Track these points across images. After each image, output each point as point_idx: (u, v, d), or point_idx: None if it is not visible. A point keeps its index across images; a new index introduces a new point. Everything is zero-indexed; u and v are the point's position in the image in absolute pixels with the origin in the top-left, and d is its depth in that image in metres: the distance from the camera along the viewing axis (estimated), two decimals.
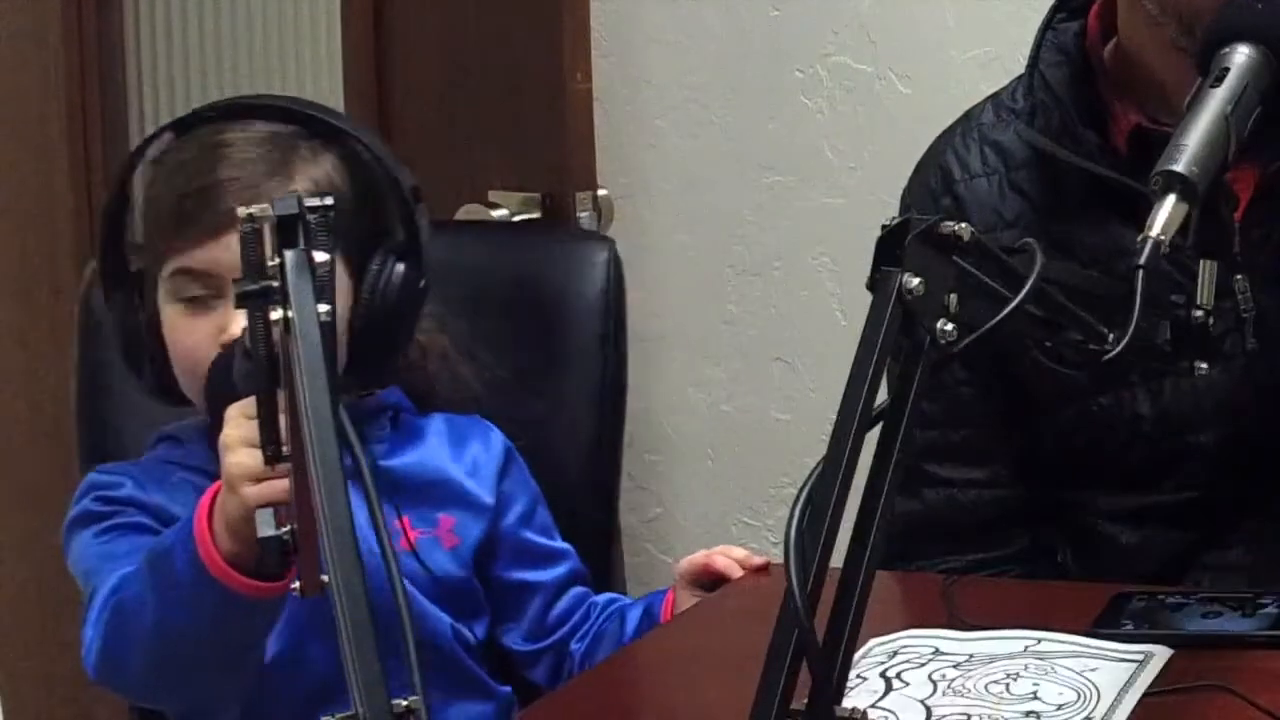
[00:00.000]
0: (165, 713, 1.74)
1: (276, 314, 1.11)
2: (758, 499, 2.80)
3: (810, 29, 2.67)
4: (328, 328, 1.10)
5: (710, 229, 2.78)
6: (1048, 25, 1.85)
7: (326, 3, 3.11)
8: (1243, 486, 1.81)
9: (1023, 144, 1.83)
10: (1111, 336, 1.33)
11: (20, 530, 2.81)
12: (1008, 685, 1.45)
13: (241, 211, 1.16)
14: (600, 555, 1.95)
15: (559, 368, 2.00)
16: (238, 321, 1.58)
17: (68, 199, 2.93)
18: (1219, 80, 1.45)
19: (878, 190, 2.54)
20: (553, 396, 1.99)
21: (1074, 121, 1.79)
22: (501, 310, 1.91)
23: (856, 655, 1.45)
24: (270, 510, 1.30)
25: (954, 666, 1.49)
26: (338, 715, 0.97)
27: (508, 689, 1.82)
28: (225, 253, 1.61)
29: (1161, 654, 1.49)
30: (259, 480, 1.44)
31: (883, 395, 1.18)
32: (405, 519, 1.74)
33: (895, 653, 1.52)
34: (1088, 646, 1.51)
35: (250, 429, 1.41)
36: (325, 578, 1.01)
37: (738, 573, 1.79)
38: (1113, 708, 1.40)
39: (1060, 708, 1.40)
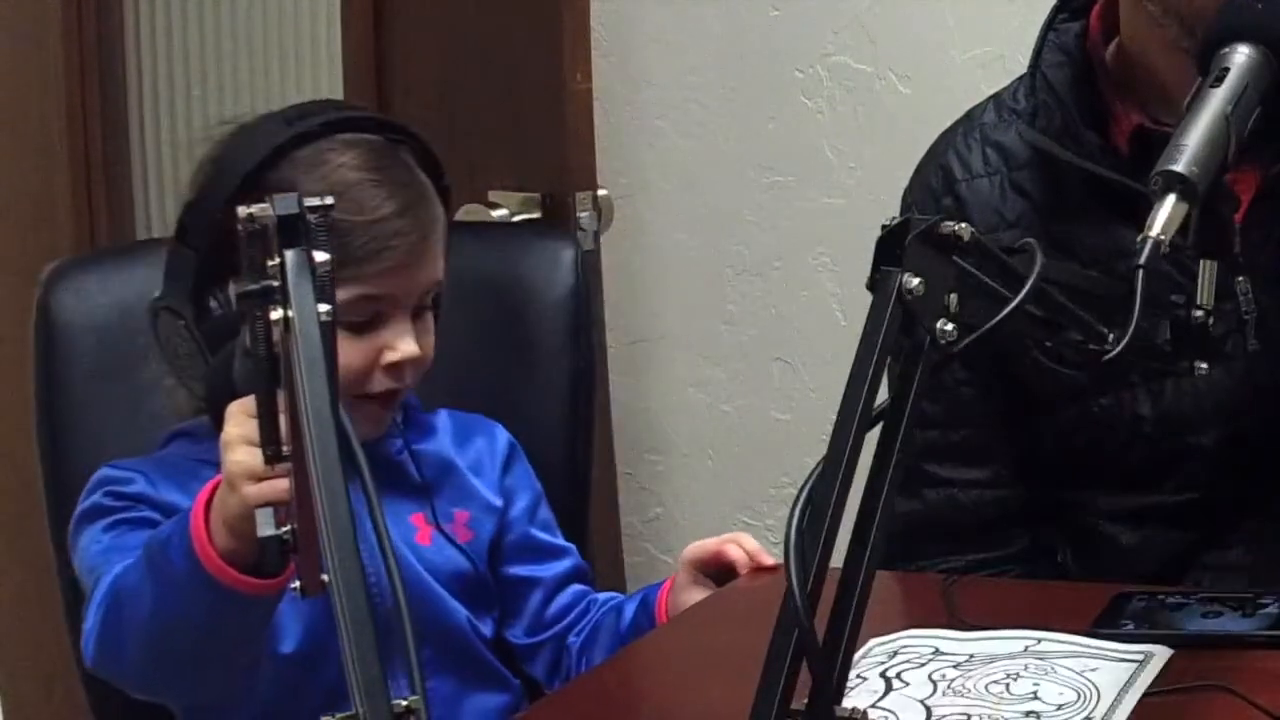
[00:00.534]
0: (173, 710, 1.74)
1: (277, 314, 1.11)
2: (758, 499, 2.80)
3: (810, 29, 2.68)
4: (328, 327, 1.10)
5: (710, 229, 2.79)
6: (1049, 26, 1.85)
7: (326, 3, 3.11)
8: (1243, 487, 1.81)
9: (1024, 144, 1.83)
10: (1111, 336, 1.33)
11: (20, 530, 2.81)
12: (1008, 685, 1.45)
13: (242, 211, 1.15)
14: (578, 551, 1.95)
15: (529, 369, 2.01)
16: (406, 340, 1.68)
17: (67, 199, 2.93)
18: (1219, 80, 1.45)
19: (878, 190, 2.55)
20: (525, 394, 2.00)
21: (1075, 122, 1.79)
22: (470, 310, 1.91)
23: (856, 655, 1.45)
24: (270, 509, 1.30)
25: (954, 666, 1.49)
26: (338, 715, 0.97)
27: (519, 681, 1.83)
28: (421, 273, 1.70)
29: (1161, 654, 1.49)
30: (259, 479, 1.44)
31: (883, 395, 1.19)
32: (421, 515, 1.77)
33: (895, 653, 1.53)
34: (1088, 646, 1.51)
35: (251, 427, 1.41)
36: (325, 577, 1.01)
37: (745, 567, 1.78)
38: (1113, 708, 1.40)
39: (1060, 708, 1.40)
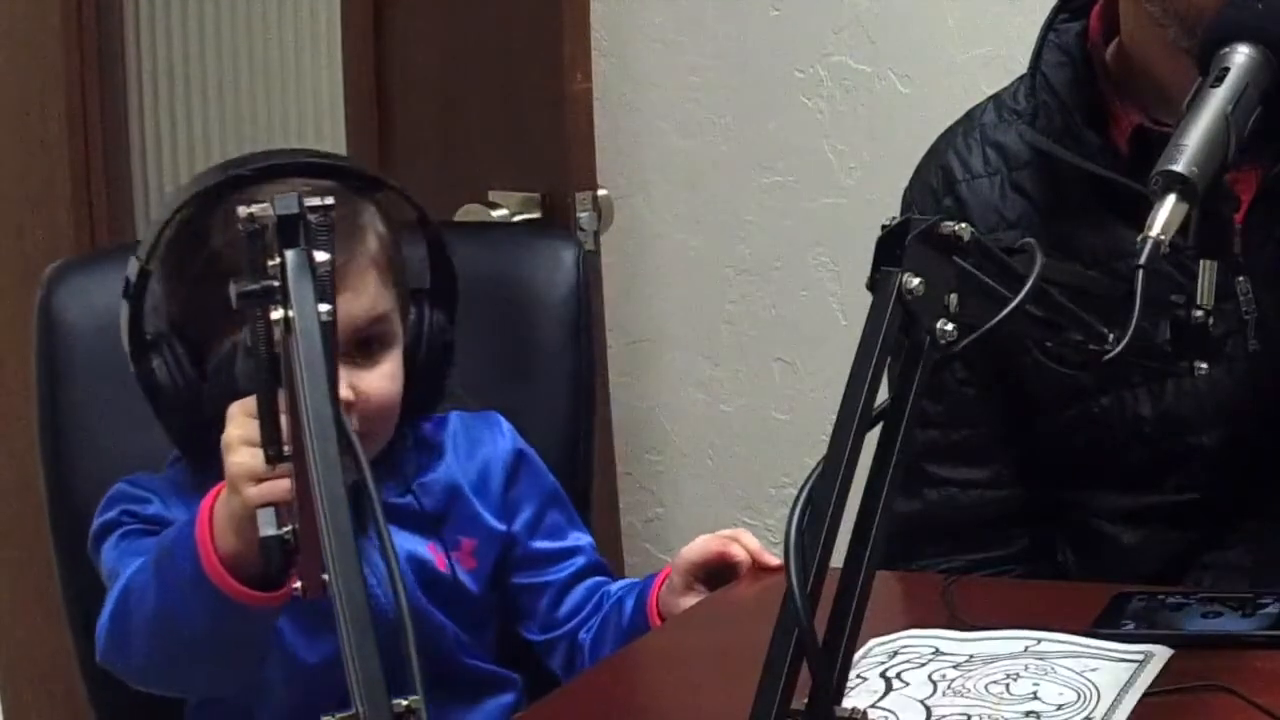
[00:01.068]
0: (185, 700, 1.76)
1: (277, 314, 1.12)
2: (758, 499, 2.80)
3: (810, 29, 2.68)
4: (328, 327, 1.10)
5: (710, 229, 2.79)
6: (1050, 26, 1.85)
7: (326, 3, 3.11)
8: (1243, 487, 1.81)
9: (1025, 145, 1.82)
10: (1112, 337, 1.33)
11: (21, 530, 2.81)
12: (1008, 685, 1.45)
13: (242, 211, 1.16)
14: None
15: (529, 369, 2.02)
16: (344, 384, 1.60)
17: (67, 199, 2.93)
18: (1219, 80, 1.45)
19: (878, 190, 2.55)
20: (525, 394, 2.00)
21: (1076, 122, 1.79)
22: (471, 310, 1.92)
23: (856, 655, 1.45)
24: (271, 510, 1.30)
25: (954, 667, 1.49)
26: (338, 715, 0.97)
27: (517, 676, 1.83)
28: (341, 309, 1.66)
29: (1161, 654, 1.48)
30: (260, 480, 1.44)
31: (883, 395, 1.19)
32: (433, 546, 1.77)
33: (895, 653, 1.52)
34: (1088, 646, 1.51)
35: (252, 428, 1.41)
36: (326, 577, 1.01)
37: (747, 568, 1.78)
38: (1113, 708, 1.40)
39: (1060, 708, 1.40)
